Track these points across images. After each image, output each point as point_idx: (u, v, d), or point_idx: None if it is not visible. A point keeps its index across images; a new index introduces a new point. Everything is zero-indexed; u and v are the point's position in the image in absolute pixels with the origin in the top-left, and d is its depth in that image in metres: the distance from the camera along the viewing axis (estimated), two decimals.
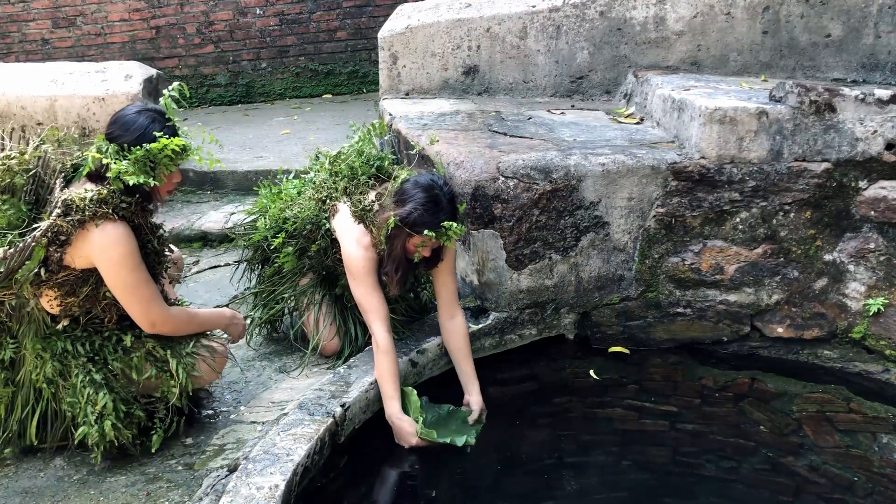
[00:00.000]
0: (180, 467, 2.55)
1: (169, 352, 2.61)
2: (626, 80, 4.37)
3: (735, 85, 3.78)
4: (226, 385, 3.02)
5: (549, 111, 4.15)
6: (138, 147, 2.43)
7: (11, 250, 2.31)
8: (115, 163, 2.40)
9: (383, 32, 4.51)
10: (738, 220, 3.27)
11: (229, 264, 4.17)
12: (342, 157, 3.22)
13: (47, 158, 2.49)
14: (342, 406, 2.65)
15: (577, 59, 4.43)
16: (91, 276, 2.44)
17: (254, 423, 2.76)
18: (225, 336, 2.92)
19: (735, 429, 3.02)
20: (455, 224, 2.66)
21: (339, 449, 2.65)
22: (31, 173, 2.44)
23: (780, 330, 3.38)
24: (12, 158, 2.43)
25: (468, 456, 2.78)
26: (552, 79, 4.49)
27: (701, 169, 3.21)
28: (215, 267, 4.22)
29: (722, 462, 2.84)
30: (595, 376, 3.29)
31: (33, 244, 2.31)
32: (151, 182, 2.45)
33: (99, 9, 8.13)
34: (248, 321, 3.30)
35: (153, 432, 2.59)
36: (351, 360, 2.98)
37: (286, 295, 3.25)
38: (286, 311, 3.35)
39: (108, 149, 2.45)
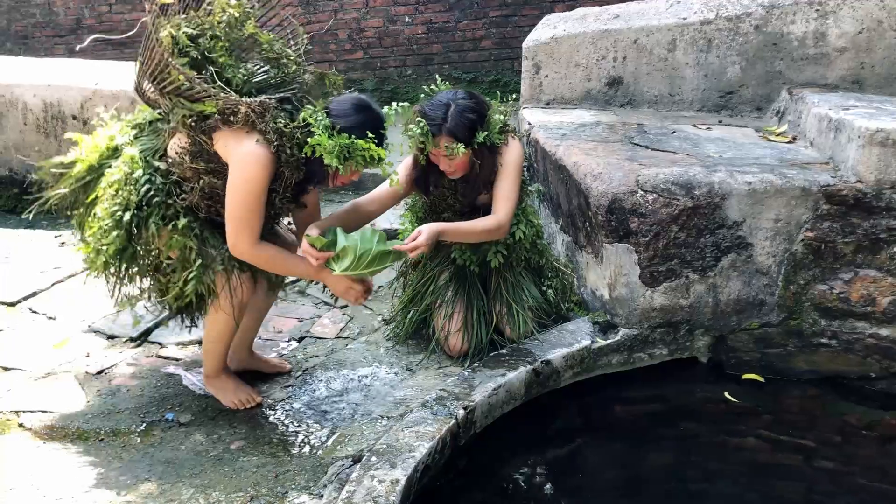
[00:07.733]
0: (307, 454, 2.66)
1: (199, 261, 2.65)
2: (780, 96, 4.18)
3: None
4: (353, 379, 3.12)
5: (694, 126, 4.03)
6: (346, 136, 2.54)
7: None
8: (319, 134, 2.52)
9: (528, 42, 4.52)
10: (895, 249, 3.06)
11: None
12: None
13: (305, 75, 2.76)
14: (464, 409, 2.67)
15: (727, 73, 4.28)
16: (217, 169, 2.61)
17: (378, 417, 2.84)
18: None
19: (879, 472, 2.82)
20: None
21: (459, 451, 2.67)
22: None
23: None
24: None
25: (588, 474, 2.74)
26: (699, 93, 4.36)
27: (857, 193, 3.03)
28: None
29: None
30: (731, 398, 3.14)
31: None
32: (340, 169, 2.57)
33: None
34: (397, 325, 3.42)
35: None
36: (476, 364, 3.00)
37: (428, 290, 3.29)
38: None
39: (322, 119, 2.57)
